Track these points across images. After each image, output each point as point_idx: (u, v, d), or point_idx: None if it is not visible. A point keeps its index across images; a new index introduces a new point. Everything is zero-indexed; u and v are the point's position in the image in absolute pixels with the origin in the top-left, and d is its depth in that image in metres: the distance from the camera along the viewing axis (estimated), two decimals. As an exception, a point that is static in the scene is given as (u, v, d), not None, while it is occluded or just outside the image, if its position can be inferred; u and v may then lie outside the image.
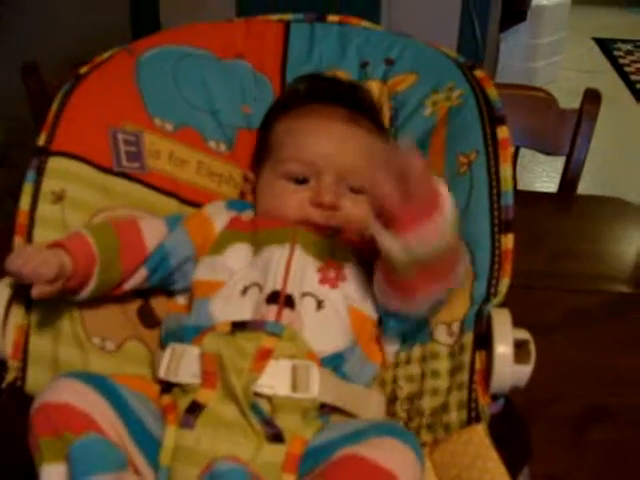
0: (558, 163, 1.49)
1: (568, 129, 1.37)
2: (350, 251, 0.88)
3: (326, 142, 0.93)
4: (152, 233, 0.87)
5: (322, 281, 0.83)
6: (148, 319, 0.90)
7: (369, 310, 0.84)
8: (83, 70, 0.98)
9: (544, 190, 2.78)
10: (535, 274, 1.09)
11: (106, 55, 1.01)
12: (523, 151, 1.44)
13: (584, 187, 1.47)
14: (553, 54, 3.64)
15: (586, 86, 1.39)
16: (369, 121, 0.97)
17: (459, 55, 1.03)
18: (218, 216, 0.92)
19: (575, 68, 3.80)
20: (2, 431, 0.74)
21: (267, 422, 0.72)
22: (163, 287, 0.91)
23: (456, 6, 2.26)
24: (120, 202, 0.92)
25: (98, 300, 0.85)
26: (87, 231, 0.83)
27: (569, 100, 1.42)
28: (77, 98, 0.94)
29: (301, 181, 0.92)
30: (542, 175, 2.99)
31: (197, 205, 0.98)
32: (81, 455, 0.64)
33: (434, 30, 2.21)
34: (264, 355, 0.75)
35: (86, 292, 0.81)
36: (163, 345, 0.84)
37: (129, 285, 0.86)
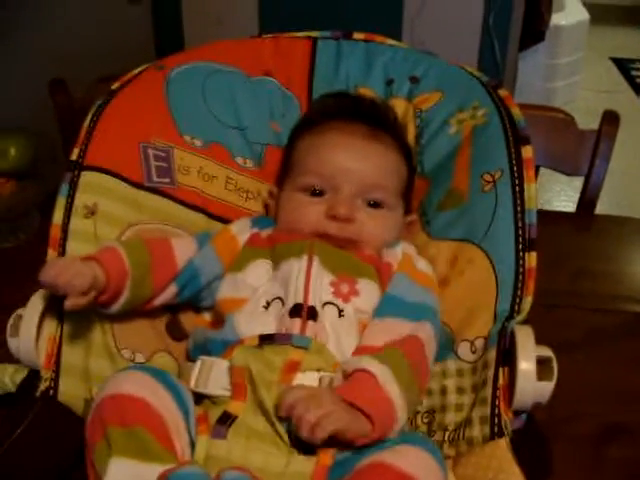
0: (576, 182, 1.48)
1: (587, 150, 1.37)
2: (366, 267, 0.89)
3: (344, 156, 0.95)
4: (183, 250, 0.89)
5: (335, 294, 0.85)
6: (176, 332, 0.92)
7: None
8: (114, 86, 1.00)
9: (562, 209, 2.78)
10: (555, 293, 1.09)
11: (136, 71, 1.03)
12: (542, 170, 1.44)
13: (602, 207, 1.46)
14: (572, 74, 3.64)
15: (604, 106, 1.38)
16: (391, 138, 0.99)
17: (482, 74, 1.05)
18: (242, 233, 0.94)
19: (593, 88, 3.79)
20: (37, 438, 0.76)
21: (296, 434, 0.72)
22: (192, 303, 0.93)
23: (476, 26, 2.27)
24: (150, 217, 0.94)
25: (128, 314, 0.87)
26: (119, 245, 0.85)
27: (587, 120, 1.42)
28: (109, 114, 0.96)
29: (318, 194, 0.94)
30: (560, 194, 2.99)
31: (225, 220, 1.00)
32: None
33: (454, 49, 2.21)
34: (292, 368, 0.76)
35: (117, 305, 0.83)
36: (190, 358, 0.86)
37: (159, 301, 0.88)
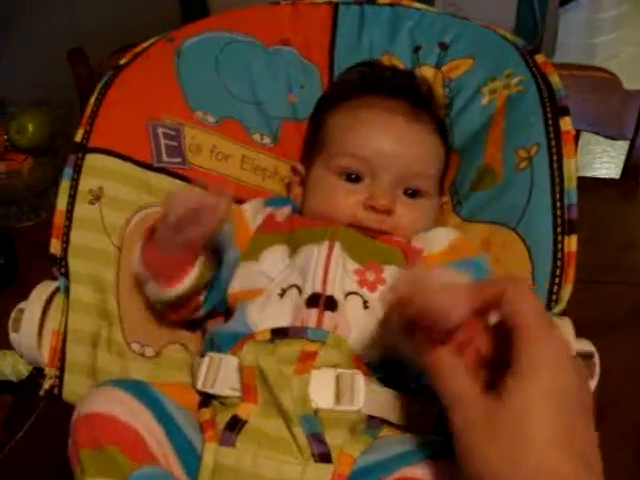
0: (619, 142, 1.40)
1: (633, 111, 1.29)
2: (393, 252, 0.83)
3: (386, 139, 0.87)
4: None
5: (360, 283, 0.78)
6: (190, 321, 0.86)
7: None
8: (122, 61, 0.95)
9: (605, 171, 2.68)
10: (597, 268, 1.03)
11: (146, 44, 0.97)
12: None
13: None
14: (615, 29, 3.49)
15: None
16: (430, 117, 0.92)
17: (518, 38, 0.96)
18: (255, 216, 0.88)
19: (638, 43, 3.66)
20: (41, 439, 0.72)
21: (316, 438, 0.67)
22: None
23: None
24: (158, 199, 0.89)
25: (137, 302, 0.83)
26: None
27: (631, 76, 1.35)
28: (115, 91, 0.91)
29: (354, 179, 0.87)
30: (603, 156, 2.88)
31: (241, 202, 0.94)
32: None
33: (491, 6, 2.14)
34: (308, 357, 0.70)
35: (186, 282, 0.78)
36: (203, 354, 0.81)
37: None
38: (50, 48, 1.81)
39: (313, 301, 0.75)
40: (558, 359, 0.54)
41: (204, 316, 0.85)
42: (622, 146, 1.34)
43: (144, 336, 0.83)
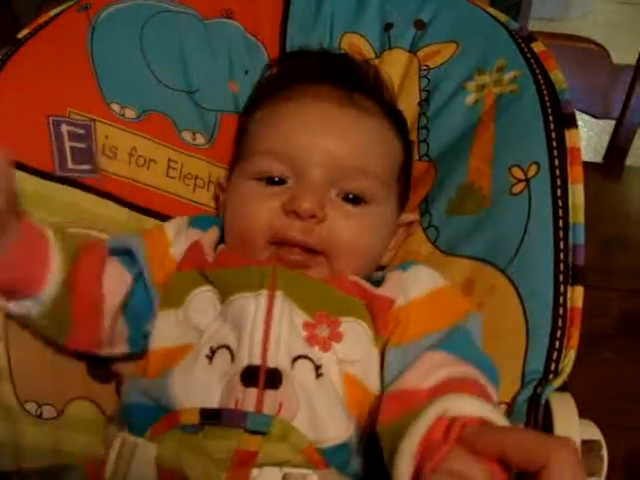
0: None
1: (621, 87, 1.21)
2: (349, 300, 0.67)
3: (312, 129, 0.72)
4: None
5: (310, 340, 0.63)
6: (101, 371, 0.72)
7: (371, 383, 0.64)
8: (21, 34, 0.77)
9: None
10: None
11: (53, 13, 0.80)
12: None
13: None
14: (590, -17, 3.43)
15: (626, 19, 1.25)
16: (373, 101, 0.76)
17: (510, 19, 0.81)
18: (179, 241, 0.73)
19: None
20: None
21: None
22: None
23: None
24: (63, 218, 0.72)
25: (32, 351, 0.67)
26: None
27: (606, 34, 1.24)
28: (8, 75, 0.74)
29: (277, 182, 0.71)
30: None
31: (168, 219, 0.79)
32: None
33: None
34: (244, 462, 0.55)
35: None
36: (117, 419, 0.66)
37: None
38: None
39: (250, 378, 0.59)
40: None
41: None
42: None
43: (42, 392, 0.67)
